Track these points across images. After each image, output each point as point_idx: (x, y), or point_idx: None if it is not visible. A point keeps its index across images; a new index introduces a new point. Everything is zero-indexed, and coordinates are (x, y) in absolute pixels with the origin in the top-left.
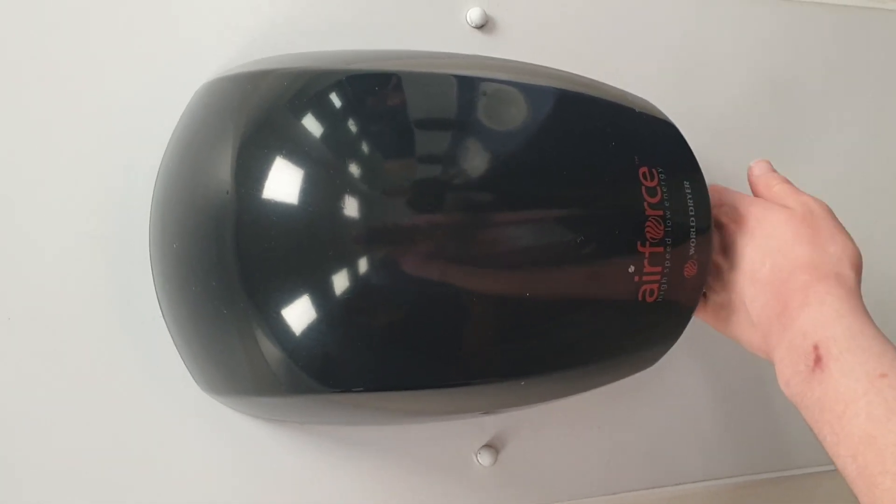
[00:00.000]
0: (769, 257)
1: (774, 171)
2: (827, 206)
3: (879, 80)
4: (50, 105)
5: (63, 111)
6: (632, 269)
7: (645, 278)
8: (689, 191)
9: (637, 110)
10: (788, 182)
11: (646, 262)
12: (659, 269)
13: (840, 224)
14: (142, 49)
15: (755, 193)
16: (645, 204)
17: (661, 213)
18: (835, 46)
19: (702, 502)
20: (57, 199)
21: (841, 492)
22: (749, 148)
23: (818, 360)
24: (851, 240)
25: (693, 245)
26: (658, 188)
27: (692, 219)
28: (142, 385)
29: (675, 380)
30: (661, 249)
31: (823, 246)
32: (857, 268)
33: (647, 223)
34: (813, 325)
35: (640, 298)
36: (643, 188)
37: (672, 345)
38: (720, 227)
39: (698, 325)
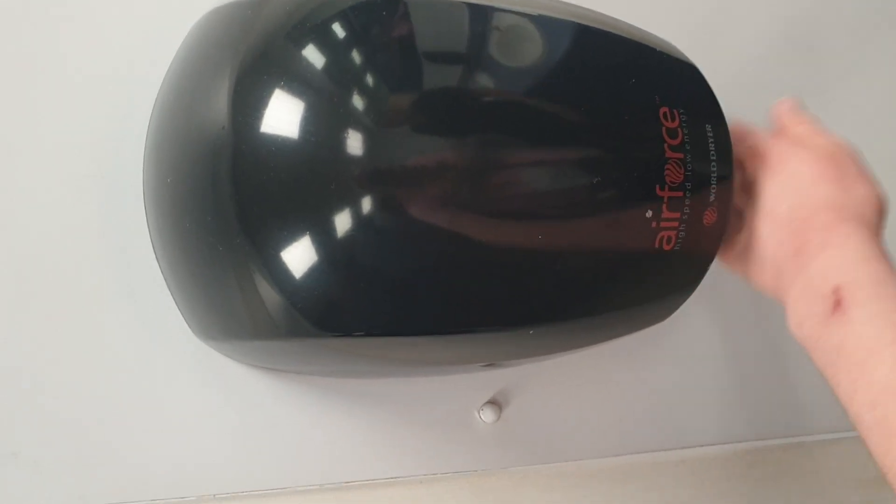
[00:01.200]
0: (790, 195)
1: (803, 109)
2: (854, 148)
3: None
4: (44, 38)
5: (58, 44)
6: (649, 214)
7: (663, 224)
8: (710, 134)
9: (658, 49)
10: (816, 121)
11: (664, 207)
12: (677, 214)
13: (866, 167)
14: None
15: (781, 131)
16: (665, 145)
17: (681, 155)
18: (864, 5)
19: (712, 466)
20: (49, 134)
21: (855, 460)
22: (770, 97)
23: (838, 303)
24: (878, 184)
25: (714, 191)
26: (679, 130)
27: (713, 164)
28: (135, 331)
29: (688, 340)
30: (680, 194)
31: (848, 187)
32: (882, 213)
33: (667, 166)
34: (834, 266)
35: (656, 246)
36: (663, 129)
37: (688, 296)
38: (740, 163)
39: (712, 284)
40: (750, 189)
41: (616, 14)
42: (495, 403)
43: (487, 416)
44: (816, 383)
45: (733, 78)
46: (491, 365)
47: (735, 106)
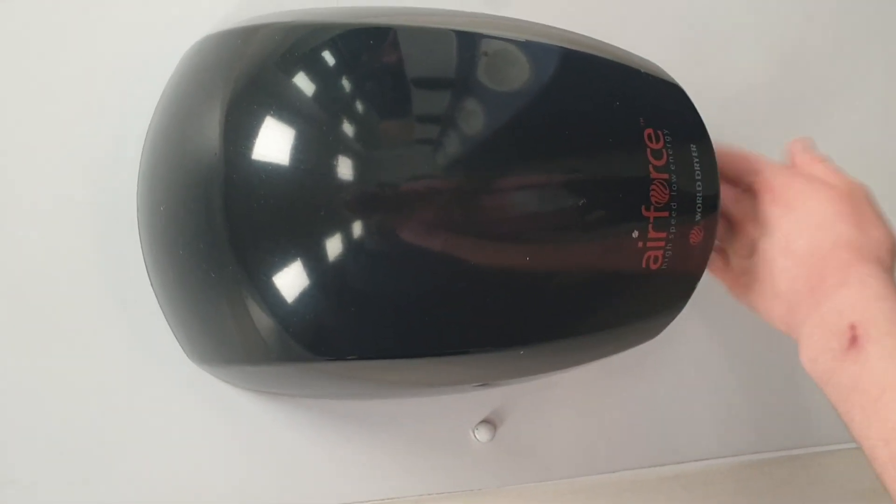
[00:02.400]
0: (808, 231)
1: (815, 149)
2: (868, 190)
3: (893, 50)
4: (38, 66)
5: (51, 72)
6: (636, 234)
7: (649, 244)
8: (695, 154)
9: (642, 71)
10: (830, 161)
11: (650, 227)
12: (664, 234)
13: (880, 209)
14: (133, 7)
15: (796, 167)
16: (650, 167)
17: (666, 176)
18: (847, 15)
19: (709, 480)
20: (43, 162)
21: (852, 471)
22: (759, 119)
23: (854, 339)
24: (891, 227)
25: (699, 211)
26: (663, 151)
27: (699, 183)
28: (130, 356)
29: (682, 355)
30: (666, 214)
31: (866, 228)
32: (894, 253)
33: (652, 186)
34: (851, 304)
35: (644, 265)
36: (648, 150)
37: (677, 314)
38: (755, 194)
39: (701, 299)
40: (764, 222)
41: (603, 37)
42: (490, 422)
43: (482, 435)
44: (812, 395)
45: (719, 102)
46: (484, 384)
47: (725, 125)
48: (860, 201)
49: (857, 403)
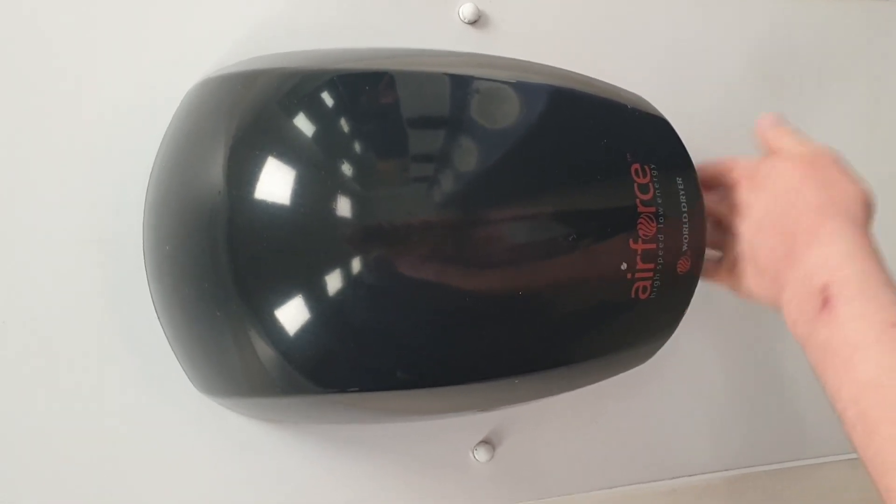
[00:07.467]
0: (776, 203)
1: (784, 123)
2: (835, 152)
3: (875, 72)
4: (42, 108)
5: (55, 114)
6: (624, 266)
7: (638, 276)
8: (681, 186)
9: (629, 106)
10: (797, 132)
11: (638, 259)
12: (652, 265)
13: (849, 167)
14: (133, 50)
15: (767, 148)
16: (637, 201)
17: (653, 209)
18: (829, 39)
19: (700, 495)
20: (50, 202)
21: (840, 484)
22: (743, 143)
23: (826, 301)
24: (861, 181)
25: (686, 241)
26: (650, 185)
27: (685, 215)
28: (138, 387)
29: (671, 373)
30: (653, 246)
31: (831, 187)
32: (868, 207)
33: (640, 220)
34: (821, 265)
35: (633, 296)
36: (635, 185)
37: (666, 340)
38: (733, 187)
39: (693, 317)
40: (742, 207)
41: (588, 68)
42: (489, 443)
43: (481, 455)
44: (804, 408)
45: (704, 128)
46: (482, 409)
47: (706, 155)
48: (825, 163)
49: (830, 365)
